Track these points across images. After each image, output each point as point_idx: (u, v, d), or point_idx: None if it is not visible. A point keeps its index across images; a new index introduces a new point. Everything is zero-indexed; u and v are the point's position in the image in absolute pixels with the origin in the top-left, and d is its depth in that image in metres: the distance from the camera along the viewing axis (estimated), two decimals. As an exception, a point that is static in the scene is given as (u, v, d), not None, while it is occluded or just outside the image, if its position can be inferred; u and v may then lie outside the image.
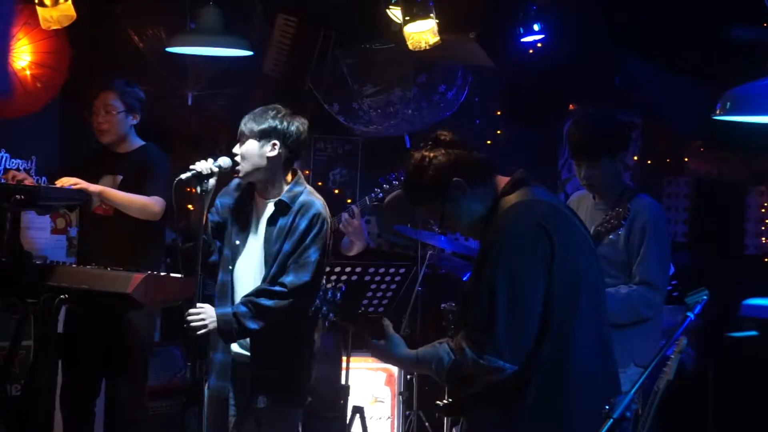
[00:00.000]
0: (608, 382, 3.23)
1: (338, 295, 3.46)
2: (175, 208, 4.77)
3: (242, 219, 4.51)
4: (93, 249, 5.42)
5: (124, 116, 5.45)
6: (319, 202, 4.45)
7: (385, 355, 3.39)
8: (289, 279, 4.33)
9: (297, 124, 4.44)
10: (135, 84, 5.58)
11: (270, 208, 4.46)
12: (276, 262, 4.38)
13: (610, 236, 4.29)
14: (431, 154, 3.29)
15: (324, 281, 3.57)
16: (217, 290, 4.57)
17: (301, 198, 4.43)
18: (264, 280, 4.40)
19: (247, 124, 4.42)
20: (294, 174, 4.52)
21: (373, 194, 5.89)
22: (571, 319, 3.14)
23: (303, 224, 4.36)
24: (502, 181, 3.32)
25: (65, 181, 5.14)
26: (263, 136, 4.39)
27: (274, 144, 4.39)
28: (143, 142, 5.56)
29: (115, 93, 5.45)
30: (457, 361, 3.16)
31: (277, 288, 4.34)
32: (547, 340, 3.11)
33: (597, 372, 3.19)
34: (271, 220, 4.43)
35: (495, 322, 3.08)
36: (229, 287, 4.49)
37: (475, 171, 3.28)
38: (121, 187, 5.35)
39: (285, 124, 4.41)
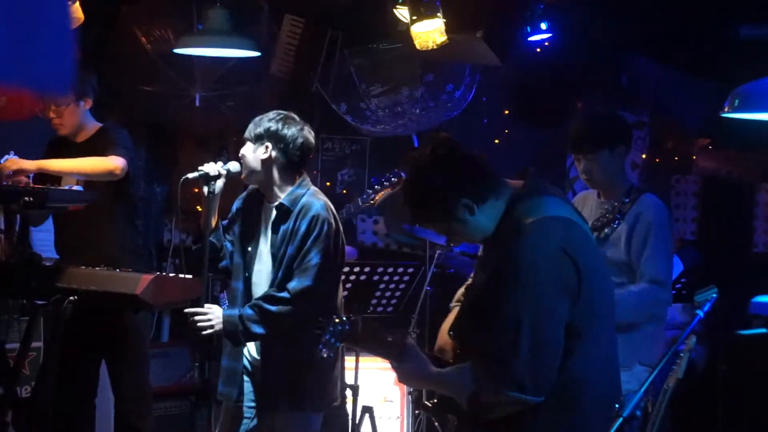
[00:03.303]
0: (613, 403, 3.09)
1: (347, 326, 3.31)
2: (180, 207, 4.71)
3: (251, 225, 4.50)
4: (68, 246, 5.28)
5: (75, 106, 5.16)
6: (319, 204, 4.35)
7: (407, 377, 3.24)
8: (292, 285, 4.30)
9: (294, 129, 4.37)
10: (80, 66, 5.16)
11: (274, 212, 4.42)
12: (282, 267, 4.35)
13: (605, 230, 4.27)
14: (433, 175, 3.08)
15: (334, 316, 3.41)
16: (229, 297, 4.60)
17: (302, 200, 4.36)
18: (272, 285, 4.38)
19: (249, 128, 4.42)
20: (300, 177, 4.46)
21: (365, 195, 5.86)
22: (587, 340, 3.03)
23: (303, 227, 4.30)
24: (512, 184, 3.16)
25: (8, 165, 4.88)
26: (258, 139, 4.37)
27: (267, 147, 4.35)
28: (100, 124, 5.28)
29: None
30: (477, 392, 3.05)
31: (282, 294, 4.31)
32: (564, 362, 3.00)
33: (606, 393, 3.11)
34: (275, 226, 4.39)
35: (517, 356, 2.94)
36: (241, 294, 4.48)
37: (481, 188, 3.09)
38: None
39: (280, 126, 4.36)
